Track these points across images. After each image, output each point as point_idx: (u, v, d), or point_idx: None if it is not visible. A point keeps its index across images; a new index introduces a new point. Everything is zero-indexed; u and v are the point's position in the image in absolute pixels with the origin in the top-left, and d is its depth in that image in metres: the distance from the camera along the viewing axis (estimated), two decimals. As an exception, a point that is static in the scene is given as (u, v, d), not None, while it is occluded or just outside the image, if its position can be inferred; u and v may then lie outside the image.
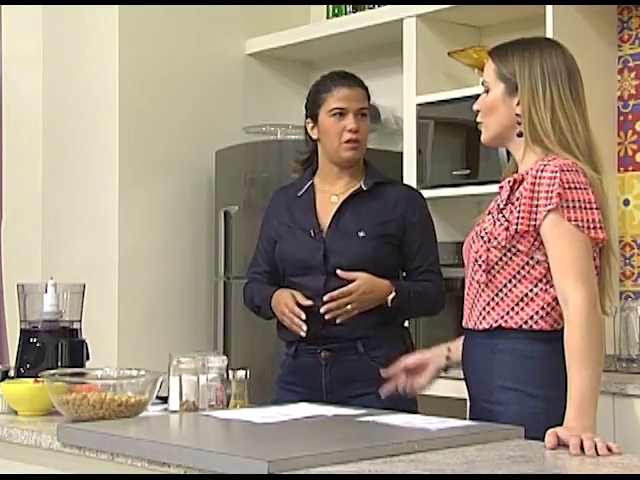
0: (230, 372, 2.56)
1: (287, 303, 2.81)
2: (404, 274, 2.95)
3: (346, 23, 4.57)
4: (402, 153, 4.24)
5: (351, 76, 2.96)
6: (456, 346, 2.54)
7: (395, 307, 2.82)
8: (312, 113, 2.95)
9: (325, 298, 2.77)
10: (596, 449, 1.96)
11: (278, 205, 3.01)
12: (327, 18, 4.87)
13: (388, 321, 2.87)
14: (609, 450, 1.96)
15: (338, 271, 2.80)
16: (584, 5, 3.80)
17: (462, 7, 4.11)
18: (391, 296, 2.81)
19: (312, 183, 2.98)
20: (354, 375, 2.84)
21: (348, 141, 2.88)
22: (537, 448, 2.01)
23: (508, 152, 3.76)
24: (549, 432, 2.03)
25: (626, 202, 3.91)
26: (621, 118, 3.96)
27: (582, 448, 1.96)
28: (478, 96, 3.90)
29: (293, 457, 1.80)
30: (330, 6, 4.87)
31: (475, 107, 2.44)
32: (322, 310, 2.77)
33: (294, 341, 2.91)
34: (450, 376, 3.69)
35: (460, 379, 3.66)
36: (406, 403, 2.80)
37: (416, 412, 2.79)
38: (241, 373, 2.56)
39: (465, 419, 2.42)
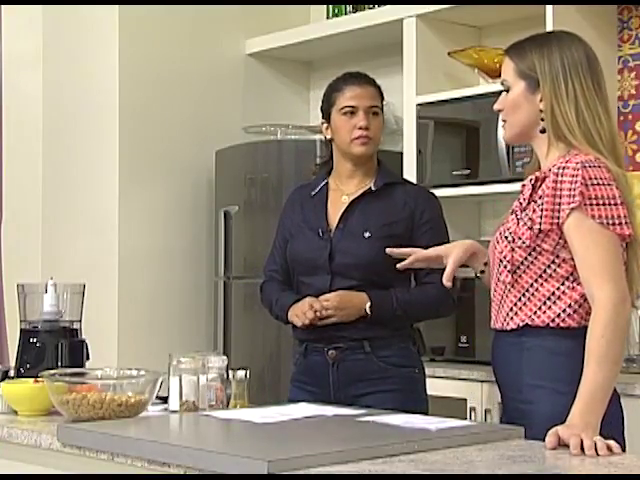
0: (230, 372, 2.56)
1: (313, 305, 2.81)
2: (414, 276, 2.94)
3: (346, 23, 4.57)
4: (402, 153, 4.24)
5: (362, 75, 2.99)
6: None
7: (377, 316, 2.82)
8: (325, 113, 2.98)
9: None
10: (596, 449, 1.96)
11: (293, 204, 3.04)
12: (327, 18, 4.87)
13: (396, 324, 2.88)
14: (609, 450, 1.96)
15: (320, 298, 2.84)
16: (584, 5, 3.80)
17: (462, 7, 4.11)
18: (367, 305, 2.81)
19: (326, 183, 3.00)
20: (361, 374, 2.85)
21: (359, 137, 2.89)
22: (537, 448, 2.01)
23: (508, 152, 3.80)
24: (550, 432, 2.03)
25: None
26: (621, 118, 3.96)
27: (582, 448, 1.96)
28: (479, 96, 3.95)
29: (293, 457, 1.80)
30: (330, 6, 4.87)
31: (496, 107, 2.41)
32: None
33: (304, 340, 2.92)
34: (450, 376, 3.71)
35: (460, 379, 3.68)
36: (415, 404, 2.80)
37: (426, 413, 2.78)
38: (241, 373, 2.56)
39: (465, 419, 2.42)
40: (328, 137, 2.98)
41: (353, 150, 2.91)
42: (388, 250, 2.62)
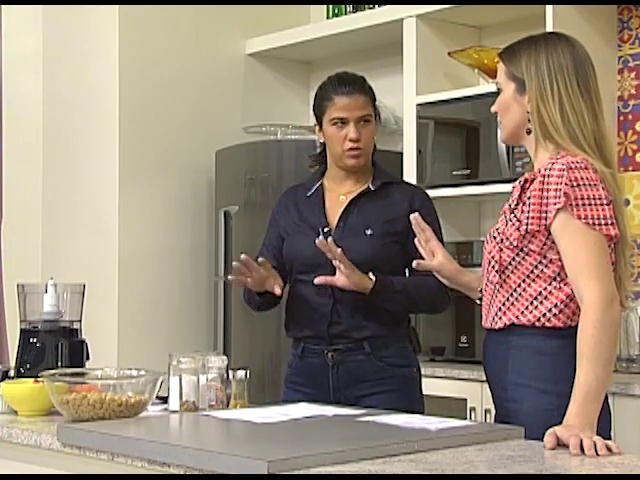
0: (230, 372, 2.56)
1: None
2: (409, 273, 2.94)
3: (346, 23, 4.57)
4: (402, 153, 4.24)
5: (353, 81, 2.93)
6: None
7: (379, 290, 2.79)
8: (318, 118, 2.97)
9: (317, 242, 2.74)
10: (596, 449, 1.96)
11: (287, 204, 3.03)
12: (327, 18, 4.88)
13: (394, 320, 2.87)
14: (609, 450, 1.97)
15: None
16: (584, 5, 3.81)
17: (462, 7, 4.11)
18: (370, 274, 2.78)
19: (321, 183, 3.00)
20: (361, 375, 2.85)
21: (350, 149, 2.89)
22: (537, 448, 2.01)
23: (508, 152, 3.80)
24: (548, 432, 2.03)
25: (626, 202, 3.91)
26: (621, 118, 3.97)
27: (582, 448, 1.97)
28: (479, 96, 3.95)
29: (293, 457, 1.80)
30: (330, 6, 4.88)
31: (492, 109, 2.46)
32: (317, 241, 2.73)
33: (301, 338, 2.92)
34: (450, 376, 3.71)
35: (460, 379, 3.69)
36: (413, 404, 2.81)
37: (423, 412, 2.79)
38: (241, 373, 2.56)
39: (465, 419, 2.42)
40: (321, 140, 2.98)
41: (345, 162, 2.92)
42: (411, 216, 2.58)
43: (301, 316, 2.92)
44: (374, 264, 2.83)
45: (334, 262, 2.73)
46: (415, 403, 2.85)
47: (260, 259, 2.79)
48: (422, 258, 2.60)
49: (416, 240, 2.59)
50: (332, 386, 2.86)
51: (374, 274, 2.79)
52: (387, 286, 2.81)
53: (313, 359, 2.89)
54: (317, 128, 2.98)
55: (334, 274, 2.81)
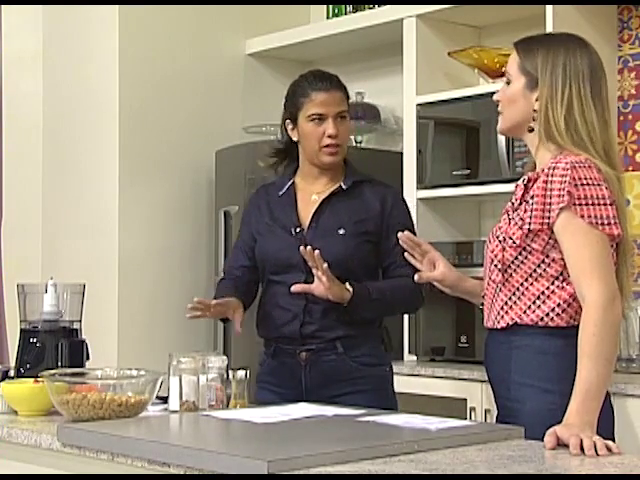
0: (230, 372, 2.56)
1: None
2: (382, 272, 2.93)
3: (346, 23, 4.57)
4: (402, 153, 4.24)
5: (328, 78, 2.93)
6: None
7: (356, 300, 2.78)
8: (292, 115, 2.95)
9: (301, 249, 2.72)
10: (596, 449, 1.96)
11: (259, 203, 3.01)
12: (327, 18, 4.88)
13: (367, 320, 2.87)
14: (609, 450, 1.97)
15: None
16: (584, 5, 3.81)
17: (462, 7, 4.11)
18: (347, 284, 2.76)
19: (293, 182, 2.98)
20: (334, 375, 2.84)
21: (328, 146, 2.88)
22: (537, 448, 2.01)
23: (508, 152, 3.80)
24: (549, 432, 2.03)
25: (626, 202, 3.90)
26: (621, 118, 3.97)
27: (582, 448, 1.97)
28: (479, 96, 3.95)
29: (293, 457, 1.80)
30: (330, 6, 4.88)
31: (495, 98, 2.44)
32: (301, 249, 2.72)
33: (272, 338, 2.92)
34: (450, 376, 3.71)
35: (460, 379, 3.69)
36: (387, 402, 2.82)
37: (396, 410, 2.79)
38: (241, 373, 2.56)
39: (465, 419, 2.42)
40: (294, 139, 2.95)
41: (322, 159, 2.90)
42: (400, 235, 2.58)
43: (273, 316, 2.91)
44: (347, 264, 2.82)
45: (314, 271, 2.72)
46: (388, 402, 2.84)
47: (213, 302, 2.78)
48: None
49: (407, 255, 2.58)
50: (305, 386, 2.85)
51: (351, 284, 2.78)
52: (364, 296, 2.80)
53: (285, 359, 2.88)
54: (290, 127, 2.95)
55: (307, 275, 2.80)
